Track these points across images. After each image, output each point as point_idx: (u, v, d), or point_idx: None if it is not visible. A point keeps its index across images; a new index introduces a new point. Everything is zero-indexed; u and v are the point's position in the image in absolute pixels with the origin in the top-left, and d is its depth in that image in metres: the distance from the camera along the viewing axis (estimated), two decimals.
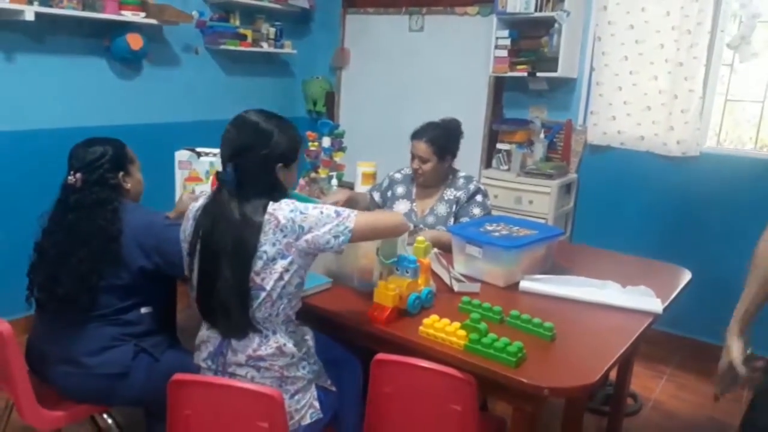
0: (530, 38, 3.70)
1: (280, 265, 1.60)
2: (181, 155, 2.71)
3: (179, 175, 2.72)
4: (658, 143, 3.46)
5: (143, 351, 1.93)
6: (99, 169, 1.90)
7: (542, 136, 3.82)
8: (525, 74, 3.72)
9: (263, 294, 1.61)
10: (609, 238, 3.37)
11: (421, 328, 1.70)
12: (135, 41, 3.46)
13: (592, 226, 3.77)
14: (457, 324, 1.67)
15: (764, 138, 3.47)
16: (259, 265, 1.59)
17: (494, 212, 2.78)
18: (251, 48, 4.19)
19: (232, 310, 1.61)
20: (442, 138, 2.61)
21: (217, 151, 2.74)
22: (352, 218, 1.63)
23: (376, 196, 2.85)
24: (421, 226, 2.63)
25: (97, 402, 1.95)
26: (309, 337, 1.77)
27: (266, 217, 1.59)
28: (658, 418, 2.92)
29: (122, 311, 1.90)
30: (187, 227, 1.72)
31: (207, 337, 1.73)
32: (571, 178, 3.79)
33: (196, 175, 2.71)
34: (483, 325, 1.64)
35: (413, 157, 2.64)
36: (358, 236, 1.65)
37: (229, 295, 1.60)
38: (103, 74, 3.56)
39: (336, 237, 1.61)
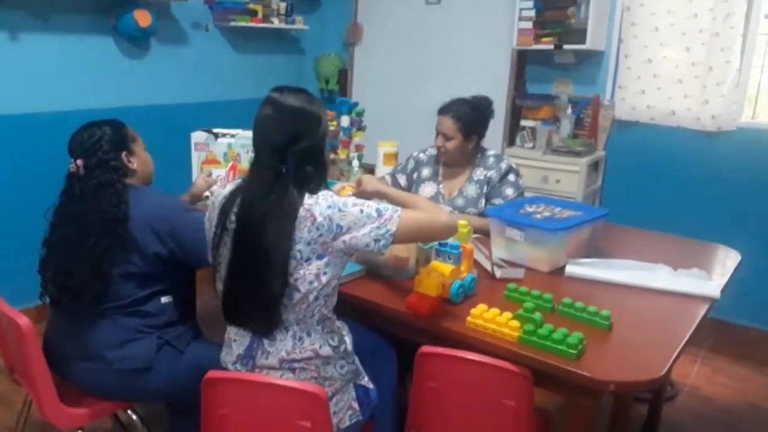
0: (556, 8, 3.52)
1: (315, 266, 1.46)
2: (198, 137, 2.58)
3: (196, 158, 2.60)
4: (690, 118, 3.31)
5: (167, 343, 1.82)
6: (98, 152, 1.79)
7: (569, 111, 3.67)
8: (551, 47, 3.55)
9: (298, 295, 1.48)
10: (639, 217, 3.21)
11: (469, 318, 1.58)
12: (143, 18, 3.32)
13: (620, 205, 3.62)
14: (508, 314, 1.55)
15: None
16: (292, 265, 1.45)
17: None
18: (262, 24, 4.04)
19: (263, 310, 1.48)
20: (470, 116, 2.46)
21: (235, 132, 2.63)
22: (395, 220, 1.47)
23: (402, 179, 2.71)
24: (450, 209, 2.50)
25: (121, 398, 1.85)
26: (346, 333, 1.64)
27: (302, 212, 1.44)
28: (695, 403, 2.82)
29: (141, 301, 1.79)
30: (213, 216, 1.58)
31: (234, 335, 1.60)
32: (599, 156, 3.65)
33: (213, 157, 2.58)
34: (538, 315, 1.52)
35: (437, 133, 2.51)
36: (400, 239, 1.50)
37: (263, 294, 1.46)
38: (110, 53, 3.42)
39: (377, 240, 1.46)
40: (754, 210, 3.24)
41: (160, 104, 3.64)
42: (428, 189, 2.61)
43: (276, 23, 4.15)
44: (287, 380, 1.45)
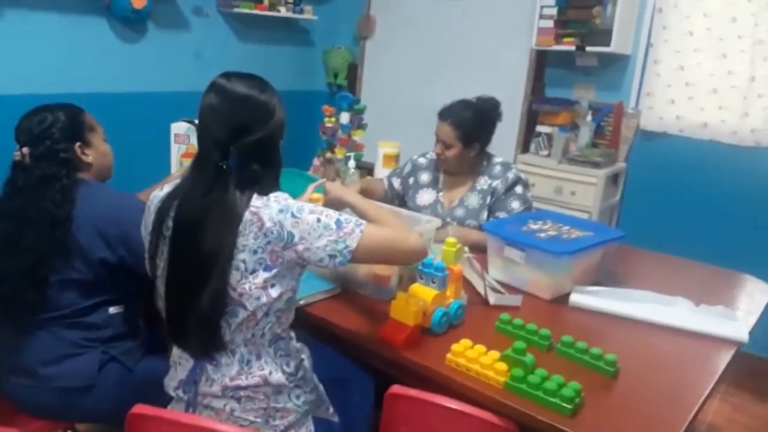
0: (580, 8, 3.26)
1: (262, 278, 1.25)
2: (178, 128, 2.38)
3: (175, 150, 2.39)
4: (725, 131, 3.02)
5: (113, 359, 1.62)
6: (47, 140, 1.58)
7: (589, 118, 3.40)
8: (572, 48, 3.29)
9: (243, 313, 1.26)
10: (658, 238, 2.93)
11: (449, 356, 1.35)
12: None
13: (641, 223, 3.34)
14: (495, 353, 1.31)
15: None
16: (235, 277, 1.24)
17: (534, 205, 2.39)
18: (268, 12, 3.83)
19: (202, 329, 1.27)
20: (471, 122, 2.21)
21: None
22: (357, 235, 1.26)
23: (396, 182, 2.48)
24: (449, 219, 2.27)
25: (57, 418, 1.65)
26: (305, 357, 1.43)
27: (248, 216, 1.23)
28: None
29: (85, 312, 1.59)
30: (148, 221, 1.36)
31: (178, 357, 1.39)
32: (619, 168, 3.38)
33: (194, 150, 2.37)
34: (530, 358, 1.28)
35: (437, 139, 2.28)
36: (360, 258, 1.29)
37: (202, 311, 1.25)
38: (103, 35, 3.23)
39: (332, 256, 1.25)
40: None
41: (154, 91, 3.45)
42: (426, 196, 2.38)
43: (283, 12, 3.94)
44: (219, 424, 1.22)
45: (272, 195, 1.27)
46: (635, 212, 3.44)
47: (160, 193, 1.36)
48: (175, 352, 1.40)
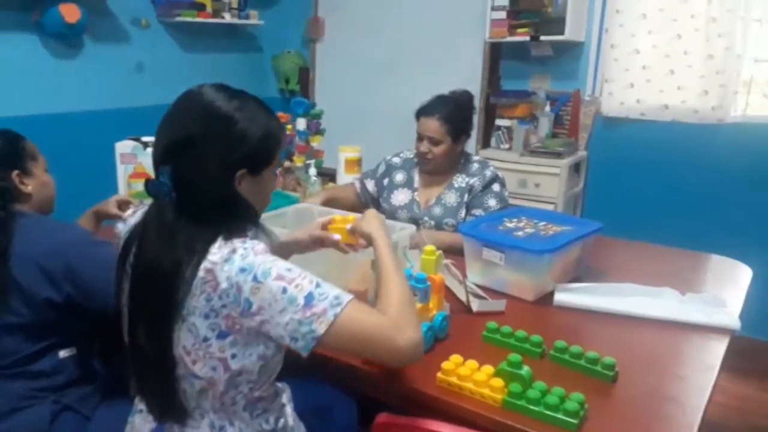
0: None
1: (218, 347, 1.03)
2: (124, 147, 2.22)
3: (122, 172, 2.22)
4: (686, 111, 3.03)
5: (66, 409, 1.45)
6: None
7: (547, 109, 3.36)
8: (527, 38, 3.24)
9: (198, 383, 1.07)
10: (627, 224, 2.91)
11: (439, 375, 1.24)
12: (70, 13, 2.94)
13: (605, 210, 3.32)
14: (489, 368, 1.22)
15: None
16: (189, 340, 1.04)
17: None
18: (211, 19, 3.68)
19: (159, 391, 1.09)
20: (457, 115, 2.16)
21: None
22: (328, 319, 0.99)
23: (370, 184, 2.38)
24: (426, 219, 2.19)
25: None
26: (286, 401, 1.27)
27: (200, 272, 1.00)
28: None
29: (30, 359, 1.42)
30: (115, 254, 1.20)
31: (140, 409, 1.20)
32: (581, 156, 3.35)
33: (142, 170, 2.22)
34: (527, 371, 1.19)
35: (420, 138, 2.19)
36: (329, 347, 1.04)
37: (151, 369, 1.07)
38: (35, 53, 3.04)
39: (293, 339, 1.00)
40: (759, 211, 2.95)
41: (95, 110, 3.26)
42: (402, 196, 2.29)
43: (228, 18, 3.80)
44: None
45: (240, 245, 1.02)
46: (599, 200, 3.42)
47: (132, 219, 1.21)
48: (132, 418, 1.23)
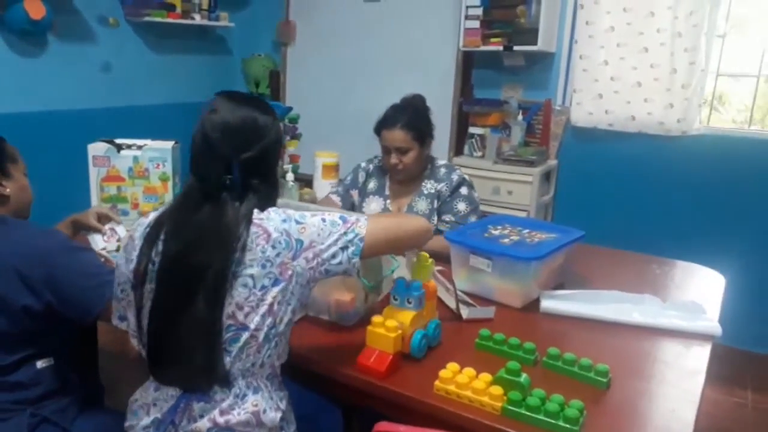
0: (505, 7, 3.27)
1: (271, 295, 1.16)
2: (96, 149, 2.15)
3: (94, 174, 2.15)
4: (652, 123, 3.11)
5: (45, 421, 1.40)
6: None
7: (520, 118, 3.41)
8: (500, 48, 3.28)
9: (245, 335, 1.16)
10: (595, 232, 2.98)
11: (437, 383, 1.24)
12: (35, 9, 2.84)
13: (574, 219, 3.35)
14: (487, 376, 1.22)
15: (757, 116, 3.20)
16: (242, 294, 1.15)
17: None
18: (181, 20, 3.61)
19: (198, 358, 1.16)
20: (418, 119, 2.17)
21: (142, 143, 2.20)
22: (363, 224, 1.24)
23: (354, 193, 2.36)
24: None
25: None
26: (287, 401, 1.30)
27: (252, 228, 1.17)
28: None
29: (7, 370, 1.36)
30: (132, 252, 1.23)
31: (154, 398, 1.24)
32: (551, 165, 3.41)
33: (116, 173, 2.15)
34: (525, 378, 1.19)
35: (387, 151, 2.18)
36: (371, 246, 1.25)
37: (197, 337, 1.15)
38: None
39: (344, 248, 1.21)
40: (724, 219, 3.05)
41: (58, 110, 3.15)
42: (374, 204, 2.28)
43: (198, 19, 3.73)
44: None
45: (271, 209, 1.23)
46: (568, 208, 3.48)
47: (145, 219, 1.26)
48: (148, 393, 1.25)
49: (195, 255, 1.16)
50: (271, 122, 1.28)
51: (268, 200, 1.26)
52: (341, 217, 1.24)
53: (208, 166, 1.22)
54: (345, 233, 1.21)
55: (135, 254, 1.22)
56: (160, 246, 1.20)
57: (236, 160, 1.21)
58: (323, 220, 1.22)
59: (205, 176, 1.22)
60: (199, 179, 1.23)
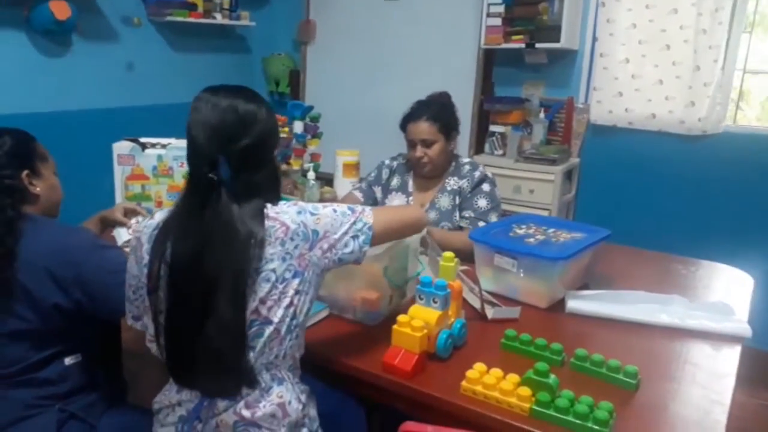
0: (527, 4, 3.23)
1: (292, 287, 1.18)
2: (121, 147, 2.17)
3: (119, 173, 2.18)
4: (673, 121, 3.06)
5: (72, 417, 1.41)
6: None
7: (541, 116, 3.38)
8: (522, 45, 3.26)
9: (269, 329, 1.17)
10: (618, 231, 2.95)
11: (464, 383, 1.23)
12: (60, 10, 2.88)
13: (596, 217, 3.32)
14: (515, 377, 1.21)
15: None
16: (264, 289, 1.16)
17: None
18: (203, 19, 3.63)
19: (225, 360, 1.16)
20: (444, 112, 2.19)
21: (166, 141, 2.22)
22: (369, 213, 1.31)
23: (378, 190, 2.36)
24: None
25: None
26: (307, 396, 1.30)
27: (269, 223, 1.18)
28: None
29: (36, 367, 1.38)
30: (140, 257, 1.23)
31: (177, 400, 1.24)
32: (573, 163, 3.37)
33: (140, 171, 2.18)
34: (554, 379, 1.18)
35: (413, 144, 2.19)
36: (379, 235, 1.32)
37: (224, 340, 1.15)
38: (23, 50, 2.96)
39: (355, 237, 1.26)
40: (749, 219, 3.00)
41: (82, 109, 3.18)
42: (397, 201, 2.29)
43: (219, 19, 3.75)
44: None
45: (282, 202, 1.25)
46: (590, 207, 3.45)
47: (151, 221, 1.25)
48: (170, 396, 1.26)
49: (205, 260, 1.15)
50: (256, 109, 1.23)
51: (270, 191, 1.26)
52: (349, 207, 1.29)
53: (197, 165, 1.20)
54: (354, 222, 1.27)
55: (145, 258, 1.21)
56: (168, 251, 1.19)
57: (223, 156, 1.18)
58: (334, 210, 1.26)
59: (197, 176, 1.20)
60: (194, 180, 1.22)
